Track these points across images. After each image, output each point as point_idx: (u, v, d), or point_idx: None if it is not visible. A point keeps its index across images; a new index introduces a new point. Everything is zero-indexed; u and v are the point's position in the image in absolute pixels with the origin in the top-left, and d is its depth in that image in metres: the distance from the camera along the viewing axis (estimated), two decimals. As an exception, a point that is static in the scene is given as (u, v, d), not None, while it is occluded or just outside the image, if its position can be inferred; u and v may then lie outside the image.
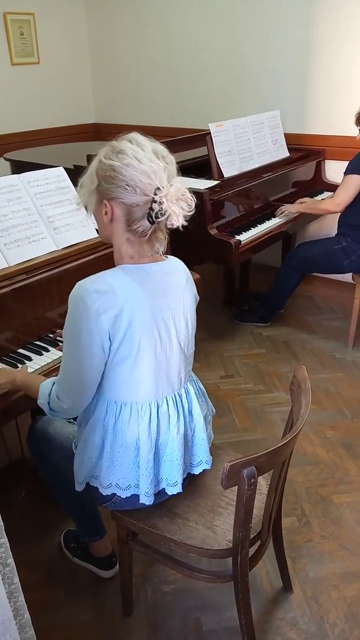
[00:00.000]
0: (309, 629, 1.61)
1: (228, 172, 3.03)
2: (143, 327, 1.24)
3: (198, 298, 1.43)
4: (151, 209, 1.18)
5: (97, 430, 1.34)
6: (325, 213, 3.24)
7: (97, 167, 1.22)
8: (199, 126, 3.75)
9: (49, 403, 1.35)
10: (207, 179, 2.97)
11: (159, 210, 1.17)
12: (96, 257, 1.90)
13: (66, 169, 2.01)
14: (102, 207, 1.24)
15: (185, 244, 2.47)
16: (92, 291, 1.19)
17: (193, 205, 1.22)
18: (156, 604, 1.70)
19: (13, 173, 3.28)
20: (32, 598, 1.17)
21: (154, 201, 1.17)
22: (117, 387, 1.31)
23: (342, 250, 2.98)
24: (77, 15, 4.45)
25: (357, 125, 2.87)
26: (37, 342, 1.78)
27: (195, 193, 2.99)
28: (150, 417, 1.32)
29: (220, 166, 3.00)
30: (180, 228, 1.22)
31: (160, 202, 1.16)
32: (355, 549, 1.87)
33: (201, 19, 3.86)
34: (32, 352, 1.72)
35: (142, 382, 1.30)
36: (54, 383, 1.35)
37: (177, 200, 1.19)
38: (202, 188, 2.76)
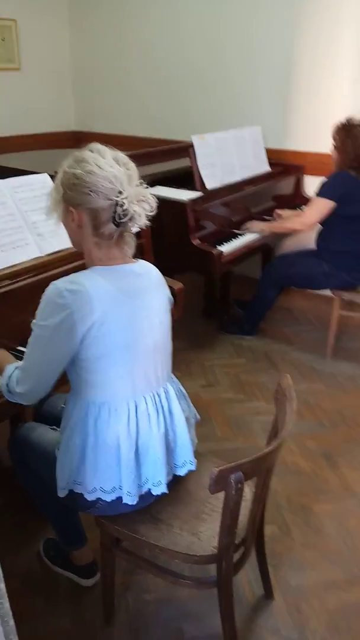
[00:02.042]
0: (291, 637, 1.61)
1: (210, 184, 3.06)
2: (116, 326, 1.27)
3: (173, 300, 1.48)
4: (115, 212, 1.23)
5: (77, 433, 1.36)
6: (292, 232, 3.19)
7: (62, 177, 1.28)
8: (180, 138, 3.80)
9: (7, 384, 1.39)
10: (189, 189, 3.00)
11: (122, 212, 1.22)
12: (81, 264, 1.88)
13: (46, 175, 2.01)
14: (70, 215, 1.29)
15: (168, 253, 2.49)
16: (64, 290, 1.24)
17: (155, 206, 1.28)
18: (137, 613, 1.68)
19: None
20: (11, 607, 1.15)
21: (117, 204, 1.22)
22: (95, 387, 1.33)
23: (324, 275, 3.00)
24: (60, 23, 4.48)
25: (333, 139, 2.85)
26: (20, 348, 1.76)
27: (179, 203, 3.01)
28: (129, 416, 1.34)
29: (203, 178, 3.03)
30: (144, 227, 1.28)
31: (122, 204, 1.21)
32: (335, 558, 1.88)
33: (184, 32, 3.92)
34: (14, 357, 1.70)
35: (119, 380, 1.33)
36: (17, 367, 1.39)
37: (139, 202, 1.24)
38: (185, 199, 2.78)
